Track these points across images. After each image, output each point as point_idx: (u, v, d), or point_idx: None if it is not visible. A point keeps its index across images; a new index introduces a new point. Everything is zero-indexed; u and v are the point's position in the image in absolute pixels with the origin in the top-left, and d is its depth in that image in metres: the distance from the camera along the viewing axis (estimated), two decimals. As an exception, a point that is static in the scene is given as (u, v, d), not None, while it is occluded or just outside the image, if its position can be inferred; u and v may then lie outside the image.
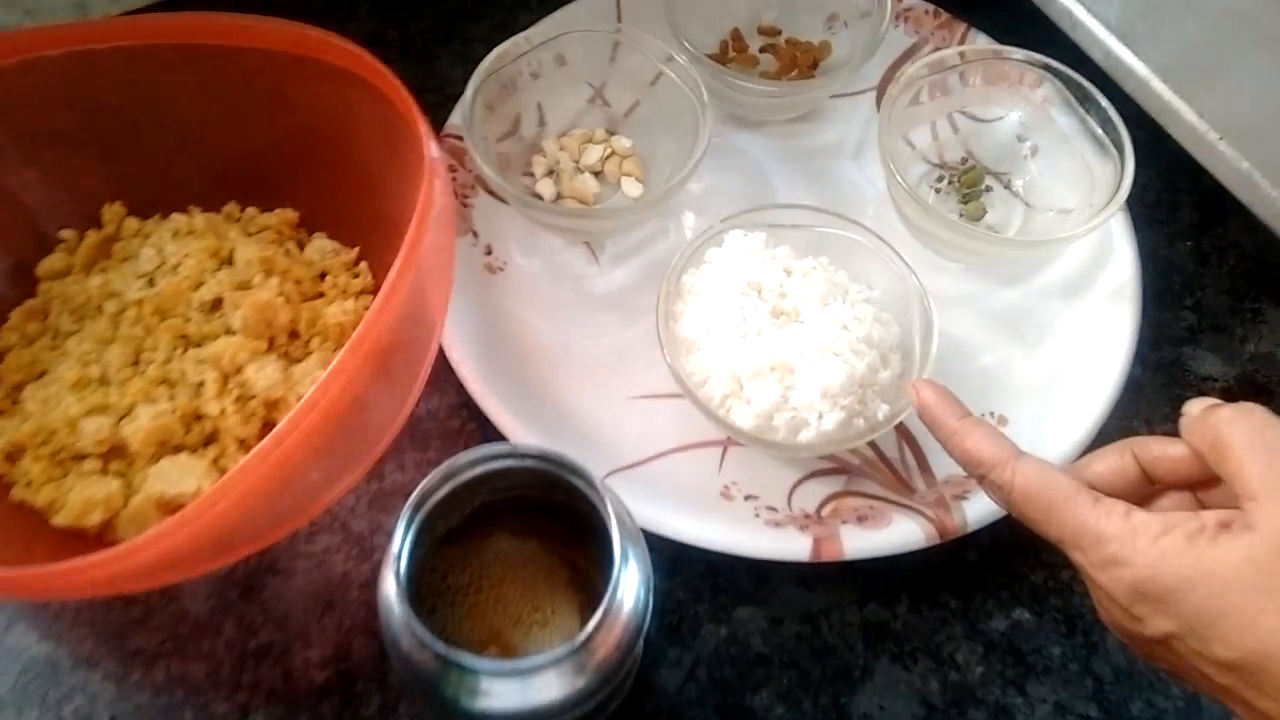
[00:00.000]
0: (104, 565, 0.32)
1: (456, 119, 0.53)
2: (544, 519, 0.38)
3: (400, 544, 0.32)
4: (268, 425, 0.45)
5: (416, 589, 0.36)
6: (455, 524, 0.38)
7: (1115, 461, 0.33)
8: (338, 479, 0.37)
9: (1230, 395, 0.51)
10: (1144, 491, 0.33)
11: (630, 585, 0.33)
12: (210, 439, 0.44)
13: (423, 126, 0.42)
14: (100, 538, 0.42)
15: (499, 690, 0.31)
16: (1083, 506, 0.30)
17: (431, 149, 0.42)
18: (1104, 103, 0.50)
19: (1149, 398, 0.50)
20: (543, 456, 0.34)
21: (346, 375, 0.35)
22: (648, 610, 0.34)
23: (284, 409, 0.44)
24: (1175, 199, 0.56)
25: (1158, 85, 0.51)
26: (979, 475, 0.34)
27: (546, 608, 0.37)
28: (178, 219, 0.49)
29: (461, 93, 0.50)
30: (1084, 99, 0.51)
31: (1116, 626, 0.31)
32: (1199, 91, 0.49)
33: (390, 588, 0.32)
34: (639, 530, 0.36)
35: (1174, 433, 0.32)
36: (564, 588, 0.38)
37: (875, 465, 0.46)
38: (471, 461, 0.34)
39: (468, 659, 0.30)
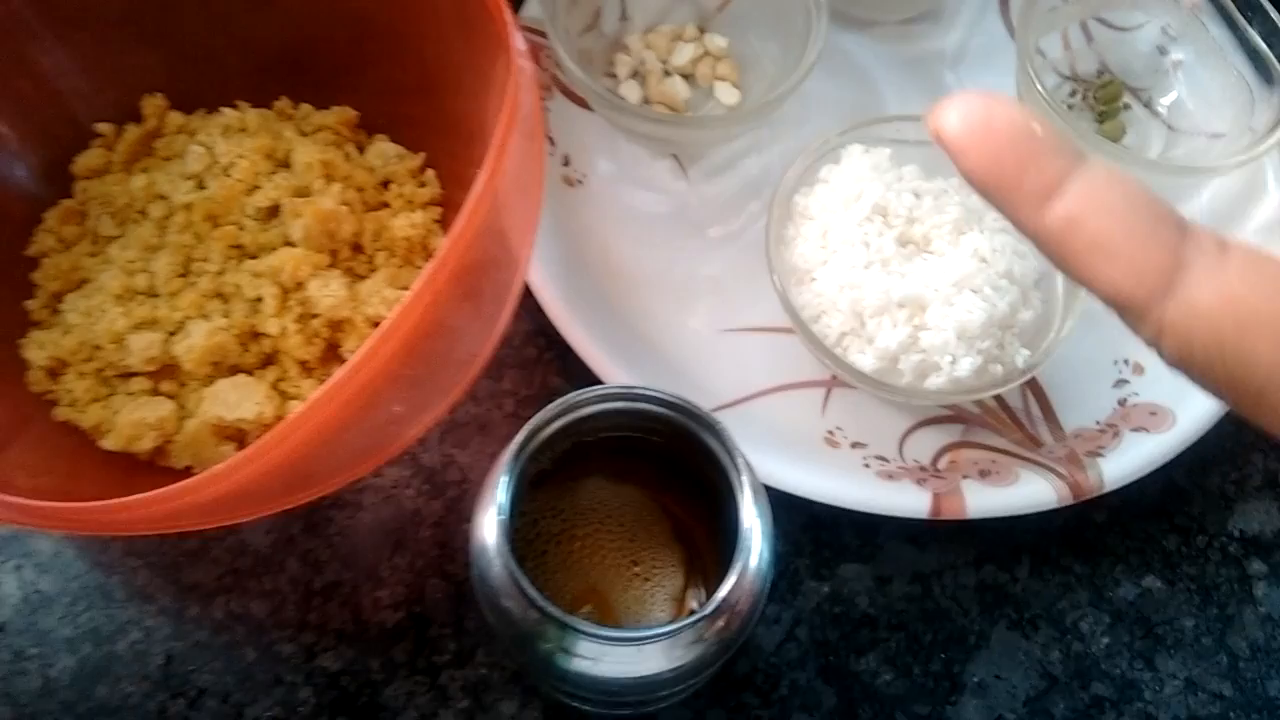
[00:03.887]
0: (165, 501, 0.29)
1: (534, 8, 0.47)
2: (640, 460, 0.34)
3: (506, 490, 0.28)
4: (331, 347, 0.41)
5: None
6: (545, 465, 0.34)
7: None
8: (421, 413, 0.33)
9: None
10: None
11: (757, 547, 0.29)
12: (269, 360, 0.40)
13: (508, 15, 0.37)
14: (152, 463, 0.39)
15: (612, 656, 0.28)
16: None
17: (518, 41, 0.37)
18: (1273, 14, 0.43)
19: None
20: (673, 405, 0.29)
21: (433, 296, 0.31)
22: (771, 573, 0.30)
23: (349, 331, 0.40)
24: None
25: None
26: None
27: (647, 562, 0.34)
28: (227, 114, 0.44)
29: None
30: (1246, 6, 0.44)
31: None
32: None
33: (491, 537, 0.28)
34: (761, 485, 0.32)
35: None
36: (665, 540, 0.34)
37: (996, 415, 0.41)
38: (590, 399, 0.30)
39: (586, 626, 0.26)
